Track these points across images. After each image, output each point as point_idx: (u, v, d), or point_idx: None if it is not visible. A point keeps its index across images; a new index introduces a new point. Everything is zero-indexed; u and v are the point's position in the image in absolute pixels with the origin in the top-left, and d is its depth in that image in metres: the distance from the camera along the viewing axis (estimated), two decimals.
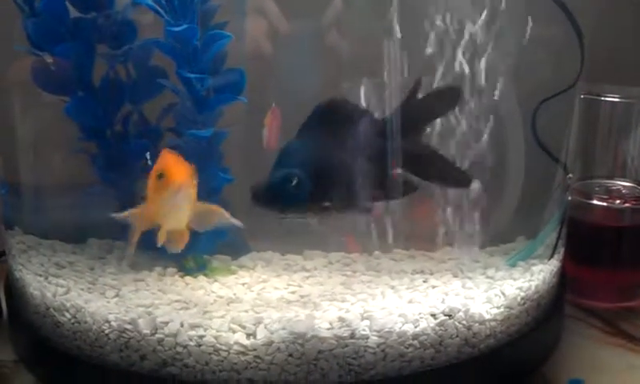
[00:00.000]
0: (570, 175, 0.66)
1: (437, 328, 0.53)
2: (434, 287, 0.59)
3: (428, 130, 0.58)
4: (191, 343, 0.51)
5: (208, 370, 0.51)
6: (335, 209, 0.54)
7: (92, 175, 0.61)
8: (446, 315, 0.54)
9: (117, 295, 0.57)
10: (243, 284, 0.60)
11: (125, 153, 0.59)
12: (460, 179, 0.59)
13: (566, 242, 0.66)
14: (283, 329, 0.51)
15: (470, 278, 0.60)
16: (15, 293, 0.62)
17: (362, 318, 0.53)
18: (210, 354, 0.51)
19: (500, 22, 0.57)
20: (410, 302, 0.56)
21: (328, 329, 0.52)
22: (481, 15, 0.57)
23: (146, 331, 0.52)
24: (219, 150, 0.60)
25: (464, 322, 0.54)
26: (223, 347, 0.51)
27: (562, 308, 0.65)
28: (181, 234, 0.53)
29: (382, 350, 0.52)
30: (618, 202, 0.73)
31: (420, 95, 0.56)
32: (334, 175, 0.53)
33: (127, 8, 0.55)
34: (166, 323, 0.52)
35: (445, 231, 0.61)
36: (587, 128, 0.73)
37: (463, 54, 0.58)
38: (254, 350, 0.51)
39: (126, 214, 0.54)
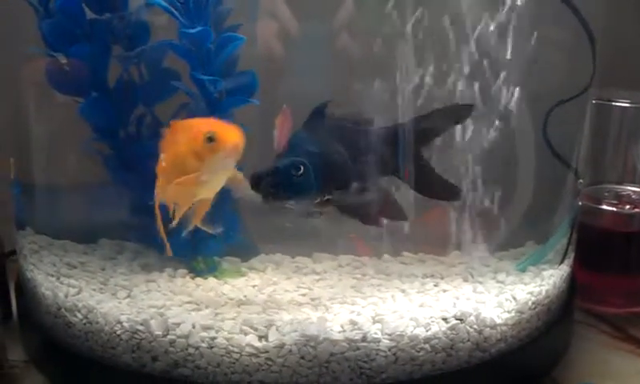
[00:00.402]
0: (581, 180, 0.66)
1: (448, 332, 0.53)
2: (444, 291, 0.59)
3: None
4: (203, 345, 0.51)
5: (220, 371, 0.51)
6: (336, 203, 0.53)
7: (104, 176, 0.61)
8: (457, 319, 0.54)
9: (128, 296, 0.57)
10: (253, 286, 0.60)
11: (137, 154, 0.59)
12: (449, 192, 0.58)
13: (576, 247, 0.66)
14: (295, 331, 0.51)
15: (480, 283, 0.60)
16: (26, 293, 0.62)
17: (374, 322, 0.53)
18: (221, 355, 0.51)
19: (512, 27, 0.57)
20: (421, 305, 0.56)
21: (340, 332, 0.52)
22: (493, 19, 0.57)
23: (158, 332, 0.52)
24: None
25: (475, 326, 0.54)
26: (235, 349, 0.51)
27: (571, 313, 0.65)
28: (205, 205, 0.52)
29: (394, 354, 0.52)
30: (627, 207, 0.73)
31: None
32: (335, 170, 0.53)
33: (141, 9, 0.56)
34: (178, 324, 0.52)
35: (455, 235, 0.61)
36: (597, 133, 0.73)
37: (475, 59, 0.58)
38: (266, 352, 0.51)
39: (163, 191, 0.51)
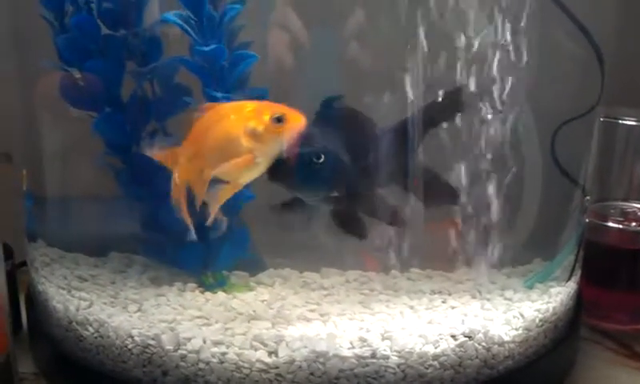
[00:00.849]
0: (588, 197, 0.66)
1: (457, 349, 0.54)
2: (452, 308, 0.59)
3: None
4: (214, 360, 0.52)
5: None
6: (343, 201, 0.54)
7: (115, 189, 0.62)
8: (466, 336, 0.54)
9: (139, 310, 0.58)
10: (262, 301, 0.61)
11: (149, 169, 0.59)
12: (447, 195, 0.58)
13: (582, 263, 0.67)
14: (305, 347, 0.52)
15: (488, 300, 0.60)
16: (37, 305, 0.62)
17: (383, 338, 0.53)
18: (232, 371, 0.51)
19: (520, 44, 0.58)
20: (430, 322, 0.56)
21: (349, 348, 0.52)
22: (502, 36, 0.58)
23: (169, 347, 0.52)
24: None
25: (483, 344, 0.55)
26: (245, 364, 0.51)
27: (578, 330, 0.65)
28: (235, 188, 0.51)
29: (402, 371, 0.52)
30: (633, 224, 0.73)
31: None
32: (343, 166, 0.53)
33: (156, 25, 0.56)
34: (189, 339, 0.53)
35: (462, 251, 0.62)
36: (603, 150, 0.73)
37: (482, 75, 0.58)
38: (276, 367, 0.51)
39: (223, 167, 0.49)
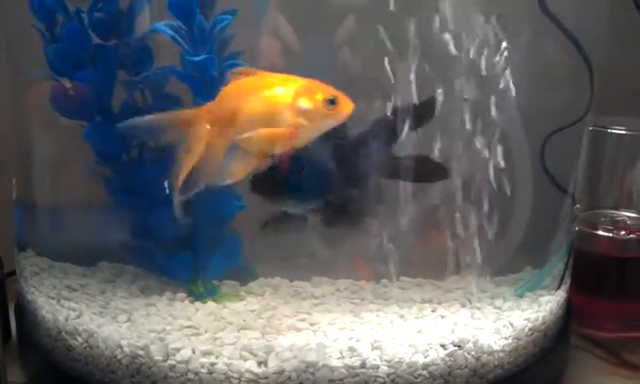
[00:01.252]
0: (578, 205, 0.67)
1: (446, 358, 0.54)
2: (442, 317, 0.59)
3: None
4: (203, 370, 0.52)
5: None
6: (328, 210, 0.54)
7: (105, 198, 0.62)
8: (455, 346, 0.54)
9: (128, 320, 0.57)
10: (252, 310, 0.61)
11: (139, 178, 0.59)
12: (435, 171, 0.58)
13: (572, 271, 0.67)
14: (294, 357, 0.52)
15: (478, 308, 0.60)
16: (27, 315, 0.62)
17: (373, 348, 0.53)
18: (221, 381, 0.51)
19: (510, 53, 0.58)
20: (420, 331, 0.56)
21: (339, 358, 0.52)
22: (493, 46, 0.58)
23: (158, 357, 0.52)
24: None
25: (473, 353, 0.55)
26: (235, 375, 0.51)
27: (567, 338, 0.65)
28: (255, 162, 0.49)
29: (392, 380, 0.52)
30: (623, 232, 0.74)
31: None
32: (327, 177, 0.53)
33: (147, 35, 0.56)
34: (178, 350, 0.53)
35: (452, 260, 0.62)
36: (593, 159, 0.74)
37: (473, 82, 0.59)
38: (266, 378, 0.51)
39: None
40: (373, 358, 0.52)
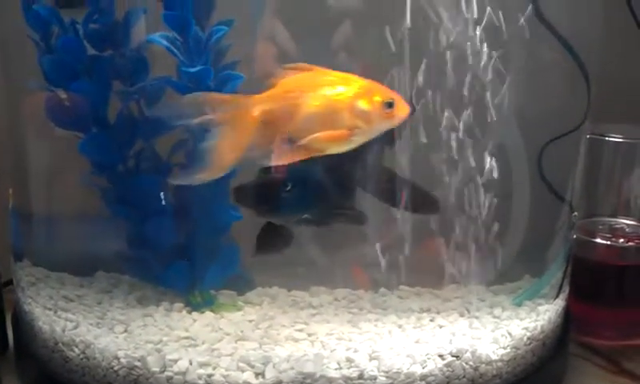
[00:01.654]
0: (576, 213, 0.67)
1: (444, 369, 0.54)
2: (440, 327, 0.59)
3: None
4: (200, 381, 0.51)
5: None
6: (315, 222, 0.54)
7: (102, 208, 0.62)
8: (453, 356, 0.54)
9: (125, 331, 0.57)
10: (250, 321, 0.60)
11: (135, 188, 0.59)
12: (428, 205, 0.58)
13: (570, 279, 0.67)
14: (292, 368, 0.52)
15: (476, 317, 0.60)
16: (23, 325, 0.62)
17: (370, 358, 0.53)
18: None
19: (508, 59, 0.58)
20: (418, 341, 0.56)
21: (336, 369, 0.52)
22: (490, 51, 0.58)
23: (155, 369, 0.52)
24: (229, 187, 0.60)
25: (471, 363, 0.55)
26: None
27: (566, 347, 0.65)
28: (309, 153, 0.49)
29: None
30: (621, 240, 0.74)
31: None
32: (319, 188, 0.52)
33: (142, 46, 0.56)
34: (175, 361, 0.52)
35: (451, 269, 0.62)
36: (591, 167, 0.74)
37: (469, 90, 0.58)
38: None
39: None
40: (370, 368, 0.52)
